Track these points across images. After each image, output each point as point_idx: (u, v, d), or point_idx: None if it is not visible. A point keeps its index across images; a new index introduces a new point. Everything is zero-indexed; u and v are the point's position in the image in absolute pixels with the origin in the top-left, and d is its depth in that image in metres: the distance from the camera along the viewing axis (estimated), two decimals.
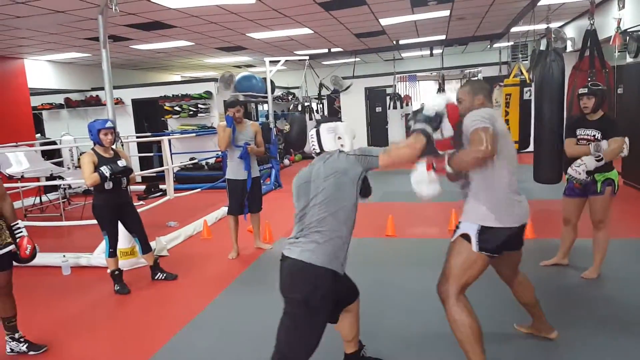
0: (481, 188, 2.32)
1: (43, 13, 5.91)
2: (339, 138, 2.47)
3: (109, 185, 3.85)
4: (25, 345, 3.07)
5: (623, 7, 6.80)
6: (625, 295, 3.40)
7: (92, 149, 3.92)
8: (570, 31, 9.58)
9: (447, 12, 7.87)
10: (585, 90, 3.51)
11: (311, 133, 2.45)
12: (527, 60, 10.06)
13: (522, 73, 6.86)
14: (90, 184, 3.80)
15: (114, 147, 4.01)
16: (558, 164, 4.18)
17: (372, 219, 6.01)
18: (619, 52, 6.78)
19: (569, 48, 9.11)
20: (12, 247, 2.91)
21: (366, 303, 3.51)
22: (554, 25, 9.11)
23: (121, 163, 3.90)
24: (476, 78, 2.54)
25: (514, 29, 9.03)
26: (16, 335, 3.07)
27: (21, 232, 2.97)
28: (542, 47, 6.41)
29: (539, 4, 6.60)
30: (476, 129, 2.22)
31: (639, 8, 6.34)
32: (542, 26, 8.83)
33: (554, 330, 2.82)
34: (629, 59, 6.43)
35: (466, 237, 2.31)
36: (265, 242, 5.22)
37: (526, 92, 6.25)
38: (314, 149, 2.44)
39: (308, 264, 2.04)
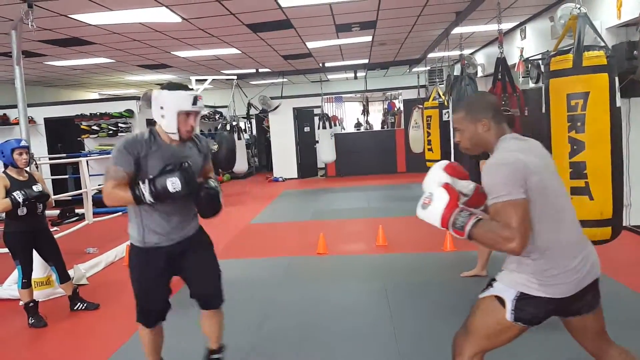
0: (531, 250, 1.77)
1: None
2: (161, 108, 2.18)
3: (22, 211, 3.56)
4: None
5: (525, 37, 7.55)
6: None
7: (4, 172, 3.63)
8: (480, 57, 10.42)
9: (369, 38, 8.27)
10: None
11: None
12: (443, 84, 10.76)
13: (440, 96, 7.35)
14: (0, 210, 3.51)
15: (28, 169, 3.75)
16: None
17: (304, 238, 6.07)
18: (522, 77, 7.46)
19: (480, 73, 9.89)
20: None
21: (300, 322, 3.56)
22: (466, 52, 9.86)
23: (36, 188, 3.64)
24: (475, 94, 2.27)
25: (430, 55, 9.66)
26: None
27: None
28: (456, 72, 6.90)
29: (452, 32, 7.14)
30: (502, 203, 1.69)
31: (538, 38, 7.04)
32: (456, 53, 9.60)
33: None
34: (531, 84, 7.10)
35: (500, 300, 1.84)
36: None
37: (445, 114, 6.68)
38: None
39: None
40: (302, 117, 12.82)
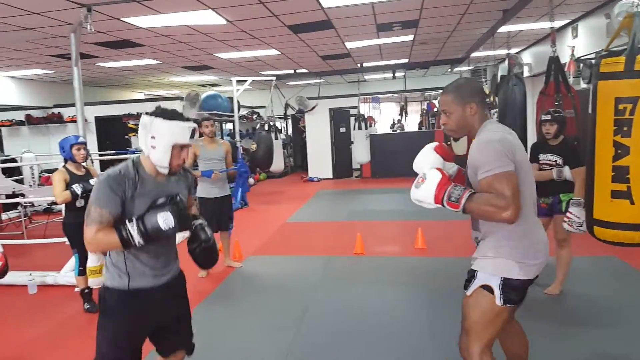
0: (504, 235, 1.92)
1: (12, 30, 5.79)
2: (152, 138, 1.89)
3: (80, 203, 3.79)
4: None
5: (576, 36, 7.31)
6: (585, 310, 3.55)
7: (64, 167, 3.86)
8: (526, 57, 10.15)
9: (410, 37, 8.22)
10: (548, 117, 3.60)
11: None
12: (486, 84, 10.51)
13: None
14: (61, 201, 3.74)
15: (85, 164, 3.97)
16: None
17: (340, 238, 6.10)
18: (573, 77, 7.20)
19: (526, 73, 9.63)
20: None
21: (339, 321, 3.59)
22: (512, 50, 9.62)
23: (93, 181, 3.84)
24: (462, 78, 2.27)
25: (474, 54, 9.47)
26: None
27: None
28: (501, 72, 6.68)
29: (498, 30, 6.99)
30: (494, 175, 1.78)
31: (591, 37, 6.80)
32: (501, 52, 9.37)
33: None
34: (582, 85, 6.85)
35: (487, 287, 1.96)
36: (235, 260, 5.20)
37: (493, 114, 6.55)
38: None
39: None
40: (338, 118, 12.86)
